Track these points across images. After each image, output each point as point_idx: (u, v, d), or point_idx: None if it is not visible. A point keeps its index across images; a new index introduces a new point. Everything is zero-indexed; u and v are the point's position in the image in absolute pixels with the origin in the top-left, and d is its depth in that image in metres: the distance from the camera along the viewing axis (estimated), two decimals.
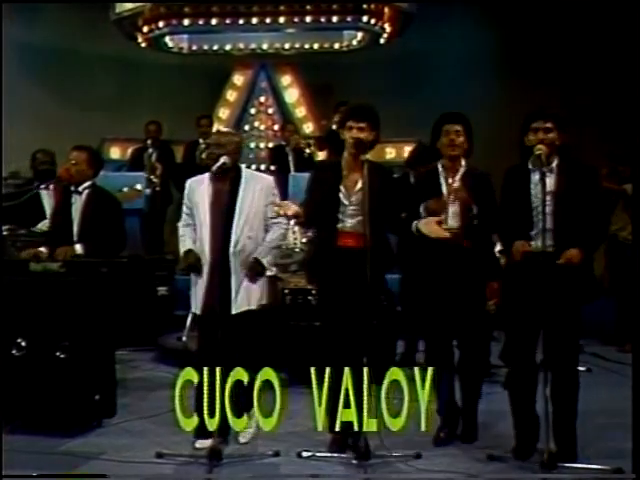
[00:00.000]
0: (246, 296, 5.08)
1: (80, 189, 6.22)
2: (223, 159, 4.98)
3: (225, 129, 8.09)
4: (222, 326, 4.90)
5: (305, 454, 4.93)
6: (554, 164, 4.81)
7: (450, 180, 5.14)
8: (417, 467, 4.78)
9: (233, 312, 5.01)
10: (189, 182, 5.26)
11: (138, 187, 9.61)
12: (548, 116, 4.82)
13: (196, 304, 5.15)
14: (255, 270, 5.10)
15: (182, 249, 5.22)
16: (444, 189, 5.13)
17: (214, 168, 4.98)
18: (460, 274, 5.03)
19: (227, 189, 5.01)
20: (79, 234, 6.17)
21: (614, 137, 9.93)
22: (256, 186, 5.14)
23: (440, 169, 5.18)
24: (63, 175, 7.46)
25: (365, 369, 4.67)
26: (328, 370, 4.97)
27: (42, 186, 7.37)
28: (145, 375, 7.06)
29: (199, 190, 5.10)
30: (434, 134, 5.23)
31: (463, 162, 5.18)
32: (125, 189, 8.38)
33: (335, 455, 4.92)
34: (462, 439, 5.22)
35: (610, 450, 4.93)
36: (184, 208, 5.27)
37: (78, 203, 6.21)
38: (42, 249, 6.08)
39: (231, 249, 5.03)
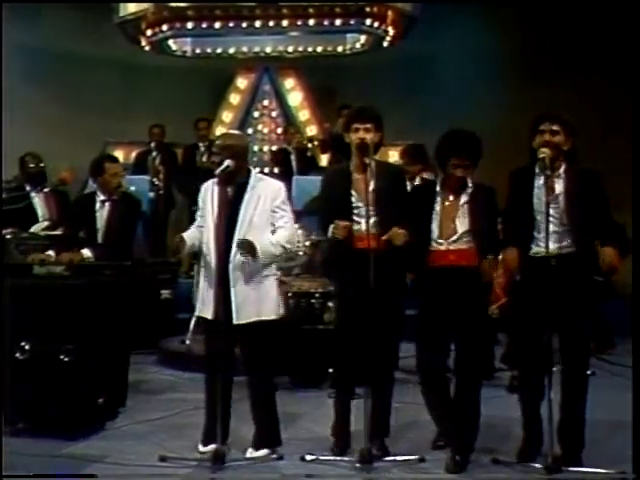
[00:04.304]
0: (253, 307, 4.95)
1: (115, 197, 6.44)
2: (227, 162, 4.91)
3: (231, 131, 7.94)
4: (227, 333, 4.85)
5: (308, 457, 4.91)
6: (561, 170, 4.79)
7: (452, 199, 5.02)
8: (421, 471, 4.77)
9: (239, 322, 4.91)
10: (203, 186, 5.16)
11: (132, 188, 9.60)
12: (554, 118, 4.80)
13: (201, 308, 5.09)
14: (246, 250, 4.85)
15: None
16: (437, 208, 5.01)
17: (218, 171, 4.92)
18: (463, 292, 4.92)
19: (233, 194, 4.94)
20: (105, 239, 6.35)
21: (614, 139, 9.95)
22: (262, 190, 5.02)
23: (438, 188, 5.07)
24: (67, 178, 7.49)
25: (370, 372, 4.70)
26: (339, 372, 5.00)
27: (36, 189, 7.39)
28: (148, 378, 7.07)
29: (208, 194, 5.02)
30: (440, 160, 5.06)
31: (469, 182, 5.07)
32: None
33: (338, 459, 4.91)
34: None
35: (615, 454, 4.91)
36: (198, 211, 5.18)
37: (106, 209, 6.40)
38: (50, 252, 6.09)
39: (231, 257, 4.91)
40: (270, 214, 4.99)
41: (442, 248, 4.93)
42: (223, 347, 4.84)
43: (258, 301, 4.95)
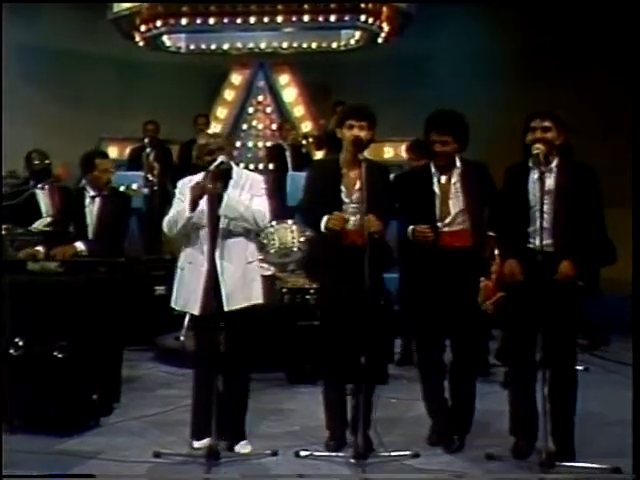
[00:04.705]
0: (242, 293, 5.02)
1: (105, 193, 6.47)
2: (221, 158, 4.96)
3: (212, 131, 8.24)
4: (220, 325, 4.88)
5: (303, 453, 4.91)
6: (554, 164, 4.81)
7: (444, 180, 5.09)
8: (415, 466, 4.77)
9: (230, 308, 4.95)
10: (182, 182, 5.18)
11: (134, 187, 9.69)
12: (546, 115, 4.82)
13: (185, 304, 5.09)
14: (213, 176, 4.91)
15: (182, 204, 5.03)
16: (436, 189, 5.08)
17: (212, 167, 4.93)
18: (458, 274, 5.00)
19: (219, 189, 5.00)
20: (96, 234, 6.38)
21: (613, 138, 9.96)
22: (243, 182, 5.10)
23: (433, 169, 5.12)
24: (62, 175, 7.49)
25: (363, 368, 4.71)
26: (327, 368, 5.02)
27: (39, 185, 7.39)
28: (143, 374, 7.06)
29: None
30: (426, 140, 5.16)
31: (458, 162, 5.11)
32: (122, 188, 8.42)
33: (333, 454, 4.91)
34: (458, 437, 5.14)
35: (608, 449, 4.92)
36: (177, 203, 5.13)
37: (96, 204, 6.43)
38: (39, 248, 6.11)
39: (218, 245, 4.97)
40: (249, 202, 5.05)
41: (439, 230, 5.00)
42: (214, 340, 4.86)
43: (246, 286, 5.04)
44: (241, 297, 5.01)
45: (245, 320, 5.03)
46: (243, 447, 5.05)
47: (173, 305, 5.20)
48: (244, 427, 5.12)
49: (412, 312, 5.31)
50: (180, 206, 5.05)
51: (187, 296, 5.06)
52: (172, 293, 5.20)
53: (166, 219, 5.15)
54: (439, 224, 5.01)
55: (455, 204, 5.03)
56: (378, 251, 4.84)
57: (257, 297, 5.11)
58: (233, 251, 5.01)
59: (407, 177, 5.49)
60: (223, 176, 5.01)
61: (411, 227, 4.98)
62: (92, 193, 6.46)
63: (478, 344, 5.41)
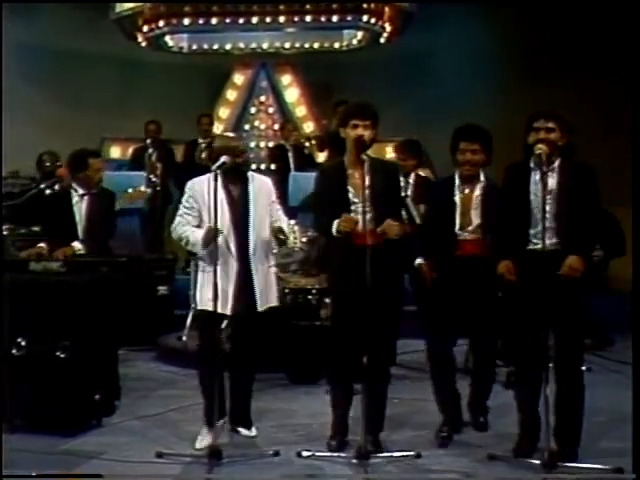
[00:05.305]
0: (267, 293, 5.24)
1: (94, 191, 6.49)
2: (223, 158, 4.98)
3: (230, 134, 8.35)
4: (245, 324, 5.17)
5: (305, 454, 4.91)
6: (556, 164, 4.81)
7: (467, 191, 5.32)
8: (417, 466, 4.77)
9: (262, 309, 5.18)
10: (192, 183, 5.24)
11: (142, 188, 9.66)
12: (550, 116, 4.81)
13: (206, 303, 5.08)
14: (277, 235, 5.13)
15: (195, 234, 5.12)
16: (457, 200, 5.29)
17: (214, 167, 4.95)
18: (476, 280, 5.17)
19: (239, 192, 5.19)
20: (86, 232, 6.39)
21: (613, 138, 9.95)
22: (262, 188, 5.29)
23: (457, 180, 5.34)
24: (63, 175, 7.50)
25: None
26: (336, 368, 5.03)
27: (42, 185, 7.39)
28: (145, 374, 7.06)
29: (207, 191, 5.02)
30: (452, 148, 5.36)
31: (482, 176, 5.34)
32: (130, 190, 8.40)
33: (335, 455, 4.91)
34: (475, 428, 5.40)
35: (610, 449, 4.92)
36: (185, 209, 5.21)
37: (85, 202, 6.45)
38: (42, 245, 6.14)
39: (251, 250, 5.14)
40: (268, 208, 5.26)
41: (460, 238, 5.25)
42: (220, 339, 5.01)
43: (268, 289, 5.28)
44: (266, 299, 5.24)
45: (265, 320, 5.28)
46: (250, 432, 5.30)
47: (200, 307, 5.25)
48: (250, 416, 5.36)
49: (428, 312, 5.49)
50: (192, 232, 5.15)
51: (213, 296, 4.98)
52: (195, 294, 5.34)
53: (191, 238, 5.17)
54: (459, 232, 5.25)
55: (477, 215, 5.27)
56: (389, 249, 4.87)
57: (275, 300, 5.36)
58: (259, 255, 5.20)
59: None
60: (235, 179, 5.17)
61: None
62: (81, 192, 6.47)
63: (495, 343, 5.58)
